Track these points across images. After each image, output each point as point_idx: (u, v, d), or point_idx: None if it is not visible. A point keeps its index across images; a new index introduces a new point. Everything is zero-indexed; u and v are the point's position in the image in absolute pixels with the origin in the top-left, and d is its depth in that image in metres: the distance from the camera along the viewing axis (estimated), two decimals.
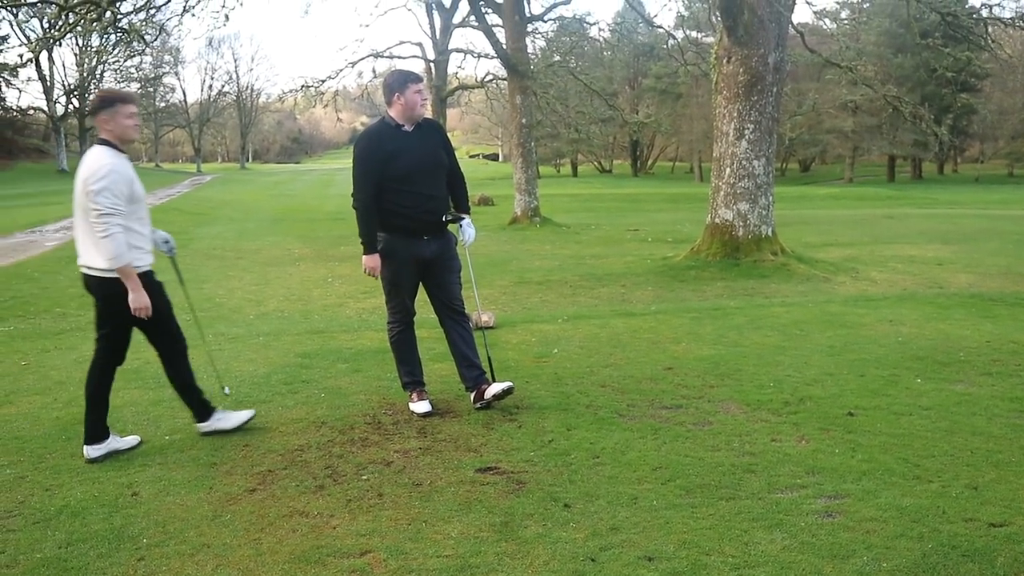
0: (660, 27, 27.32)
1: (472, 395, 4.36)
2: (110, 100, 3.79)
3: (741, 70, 10.91)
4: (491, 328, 6.25)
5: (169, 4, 12.98)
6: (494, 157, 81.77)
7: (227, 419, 4.15)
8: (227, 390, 4.42)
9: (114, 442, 3.93)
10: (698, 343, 5.87)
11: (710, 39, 27.81)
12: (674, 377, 4.92)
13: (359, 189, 4.24)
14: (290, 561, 2.81)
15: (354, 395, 4.67)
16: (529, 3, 22.61)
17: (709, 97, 13.45)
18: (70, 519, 3.18)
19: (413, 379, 4.45)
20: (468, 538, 2.91)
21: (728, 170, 11.16)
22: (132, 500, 3.35)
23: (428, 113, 4.39)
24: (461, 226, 4.46)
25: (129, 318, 3.79)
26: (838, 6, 54.75)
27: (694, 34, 49.72)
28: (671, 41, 29.66)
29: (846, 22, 51.81)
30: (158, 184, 42.47)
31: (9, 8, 13.56)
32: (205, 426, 4.11)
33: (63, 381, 5.10)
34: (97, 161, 3.70)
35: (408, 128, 4.30)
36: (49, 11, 13.21)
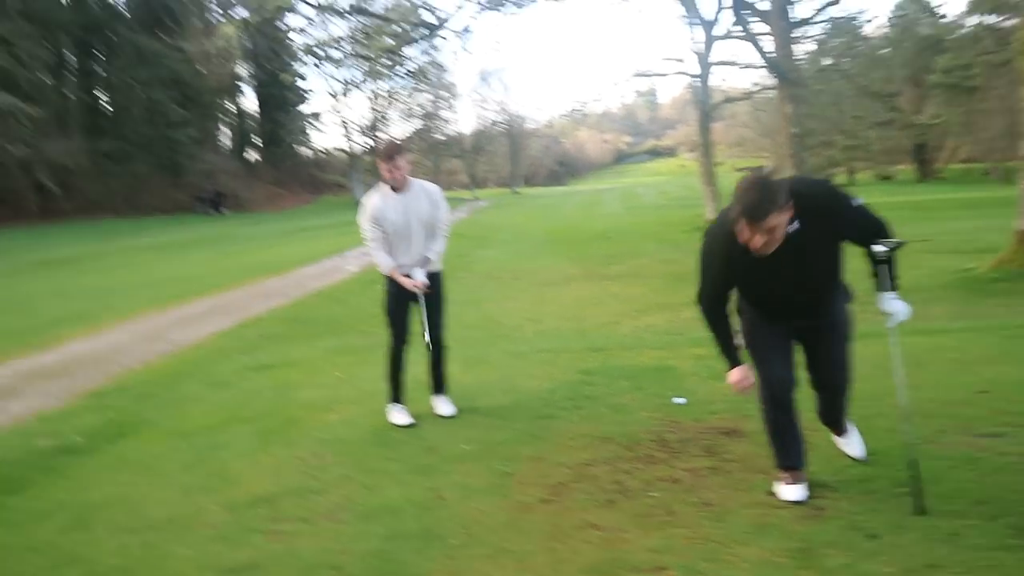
0: (947, 16, 24.82)
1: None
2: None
3: None
4: None
5: (446, 45, 14.02)
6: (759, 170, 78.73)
7: (447, 407, 5.04)
8: (679, 400, 4.90)
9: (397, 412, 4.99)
10: (1017, 364, 5.21)
11: (1010, 22, 24.79)
12: (990, 402, 4.41)
13: (700, 294, 3.37)
14: (586, 571, 2.91)
15: (637, 412, 4.72)
16: (795, 6, 21.60)
17: (1011, 89, 11.96)
18: (388, 516, 3.54)
19: (788, 464, 3.45)
20: (765, 563, 2.83)
21: None
22: (439, 503, 3.65)
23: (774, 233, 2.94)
24: (883, 302, 3.28)
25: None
26: None
27: (990, 19, 44.58)
28: (962, 30, 26.88)
29: None
30: None
31: (326, 61, 15.39)
32: (445, 408, 5.04)
33: (373, 392, 5.65)
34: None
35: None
36: (351, 61, 14.83)
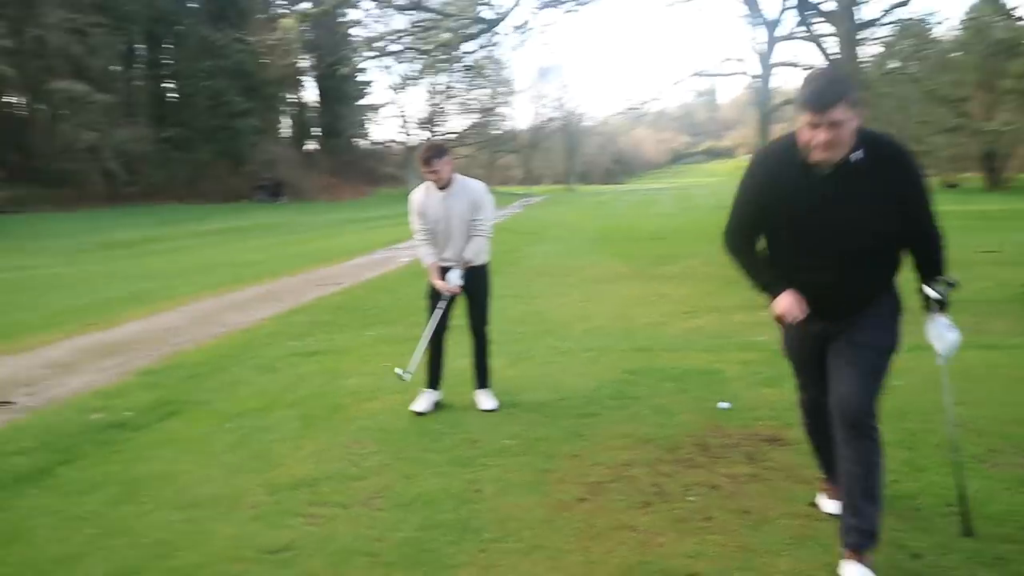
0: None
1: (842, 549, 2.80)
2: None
3: None
4: None
5: (504, 40, 14.05)
6: None
7: (489, 401, 5.04)
8: (724, 404, 4.79)
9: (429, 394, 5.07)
10: None
11: None
12: None
13: (729, 227, 2.98)
14: (618, 573, 2.89)
15: (680, 415, 4.67)
16: (862, 7, 21.07)
17: None
18: (425, 506, 3.56)
19: (829, 476, 3.25)
20: (800, 575, 2.77)
21: None
22: (476, 495, 3.66)
23: (829, 153, 2.57)
24: (932, 330, 2.84)
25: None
26: None
27: None
28: None
29: None
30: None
31: (385, 55, 15.62)
32: (487, 402, 5.02)
33: (417, 382, 5.58)
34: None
35: (823, 166, 2.62)
36: (408, 55, 14.99)
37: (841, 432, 2.76)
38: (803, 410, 3.21)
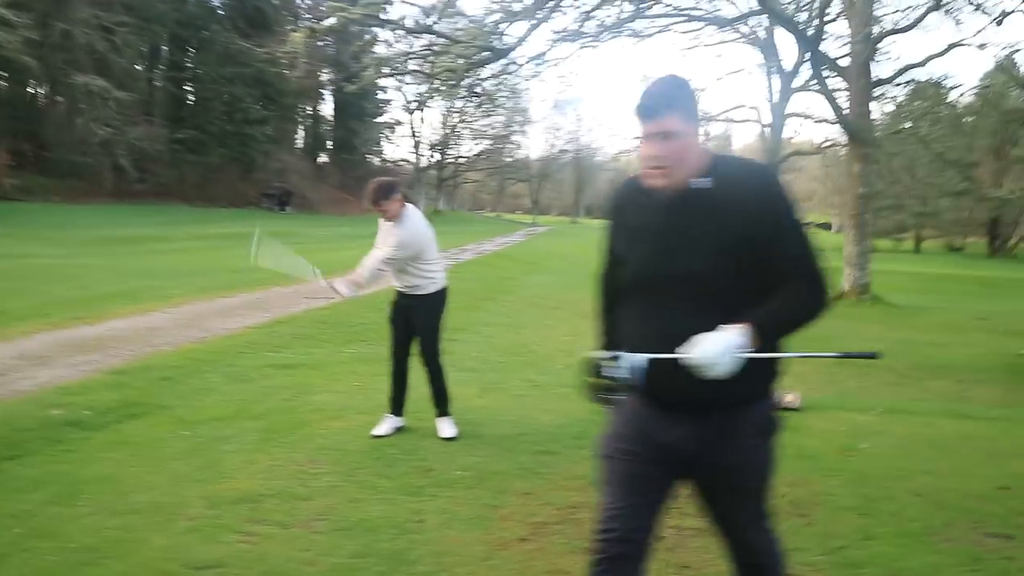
0: None
1: None
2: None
3: None
4: (795, 410, 5.85)
5: (520, 70, 14.18)
6: (827, 226, 77.38)
7: (447, 429, 5.03)
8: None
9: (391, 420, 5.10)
10: None
11: None
12: (1010, 500, 4.18)
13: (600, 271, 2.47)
14: None
15: None
16: (878, 65, 21.21)
17: None
18: (364, 533, 3.51)
19: None
20: None
21: None
22: (418, 526, 3.61)
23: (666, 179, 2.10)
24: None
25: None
26: None
27: None
28: None
29: None
30: (497, 232, 46.13)
31: (395, 76, 15.74)
32: (445, 430, 5.02)
33: (385, 404, 5.62)
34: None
35: (662, 191, 2.12)
36: (419, 78, 15.11)
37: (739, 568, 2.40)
38: (595, 541, 2.21)
